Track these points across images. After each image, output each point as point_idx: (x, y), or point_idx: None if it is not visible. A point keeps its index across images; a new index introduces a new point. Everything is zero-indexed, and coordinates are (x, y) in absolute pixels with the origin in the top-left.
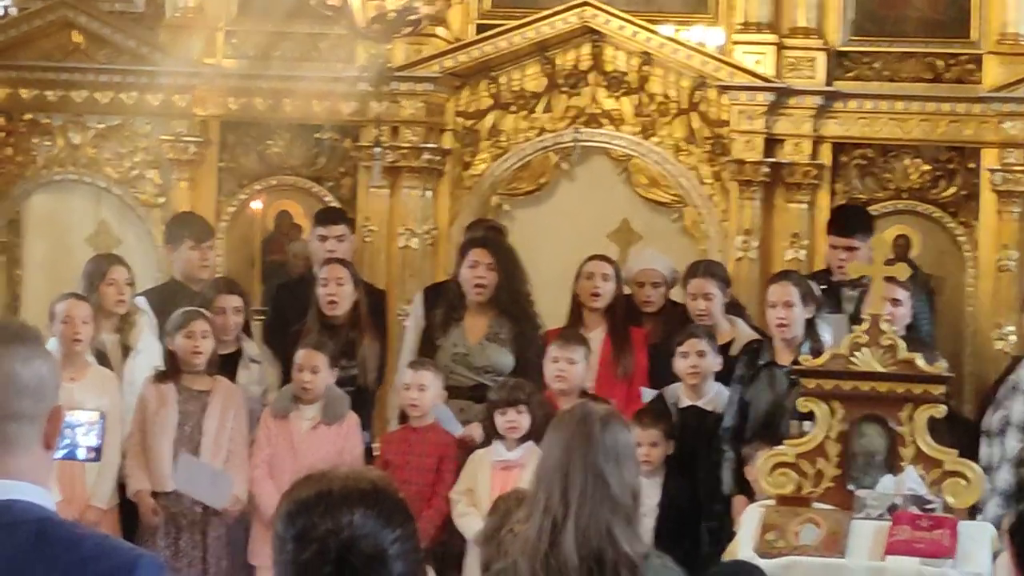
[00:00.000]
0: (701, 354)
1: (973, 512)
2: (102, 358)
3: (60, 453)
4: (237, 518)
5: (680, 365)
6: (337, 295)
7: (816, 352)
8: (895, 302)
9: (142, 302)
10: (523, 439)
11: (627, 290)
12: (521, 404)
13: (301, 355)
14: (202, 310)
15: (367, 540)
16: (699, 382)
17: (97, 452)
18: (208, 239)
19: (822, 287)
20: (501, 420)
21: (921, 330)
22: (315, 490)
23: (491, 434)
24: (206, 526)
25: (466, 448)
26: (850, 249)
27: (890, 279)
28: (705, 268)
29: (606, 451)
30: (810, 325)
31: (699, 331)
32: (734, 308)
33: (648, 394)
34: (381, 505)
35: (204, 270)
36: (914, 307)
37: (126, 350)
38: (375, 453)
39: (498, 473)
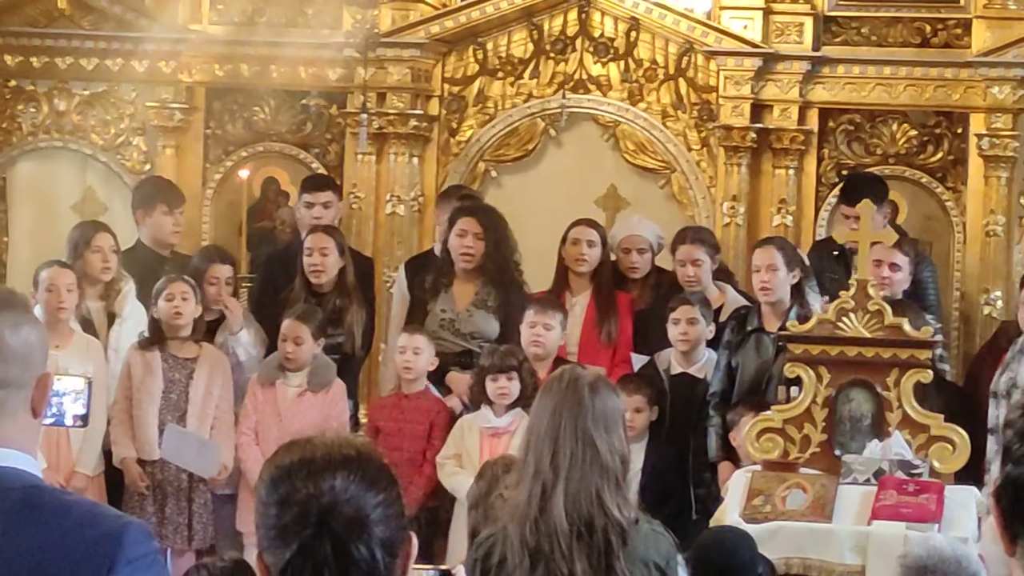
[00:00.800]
0: (692, 321)
1: (979, 473)
2: (87, 325)
3: (48, 420)
4: (223, 485)
5: (672, 332)
6: (321, 265)
7: (804, 318)
8: (893, 267)
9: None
10: (512, 406)
11: (613, 256)
12: (512, 371)
13: (286, 326)
14: (185, 277)
15: (348, 504)
16: (689, 349)
17: (84, 419)
18: (180, 205)
19: (835, 252)
20: (492, 386)
21: (928, 298)
22: (298, 456)
23: (480, 400)
24: (192, 493)
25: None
26: (860, 219)
27: (892, 244)
28: (694, 235)
29: (595, 416)
30: (797, 290)
31: (693, 298)
32: (723, 274)
33: (639, 360)
34: (364, 470)
35: (175, 236)
36: (921, 274)
37: (111, 317)
38: (361, 420)
39: (487, 439)
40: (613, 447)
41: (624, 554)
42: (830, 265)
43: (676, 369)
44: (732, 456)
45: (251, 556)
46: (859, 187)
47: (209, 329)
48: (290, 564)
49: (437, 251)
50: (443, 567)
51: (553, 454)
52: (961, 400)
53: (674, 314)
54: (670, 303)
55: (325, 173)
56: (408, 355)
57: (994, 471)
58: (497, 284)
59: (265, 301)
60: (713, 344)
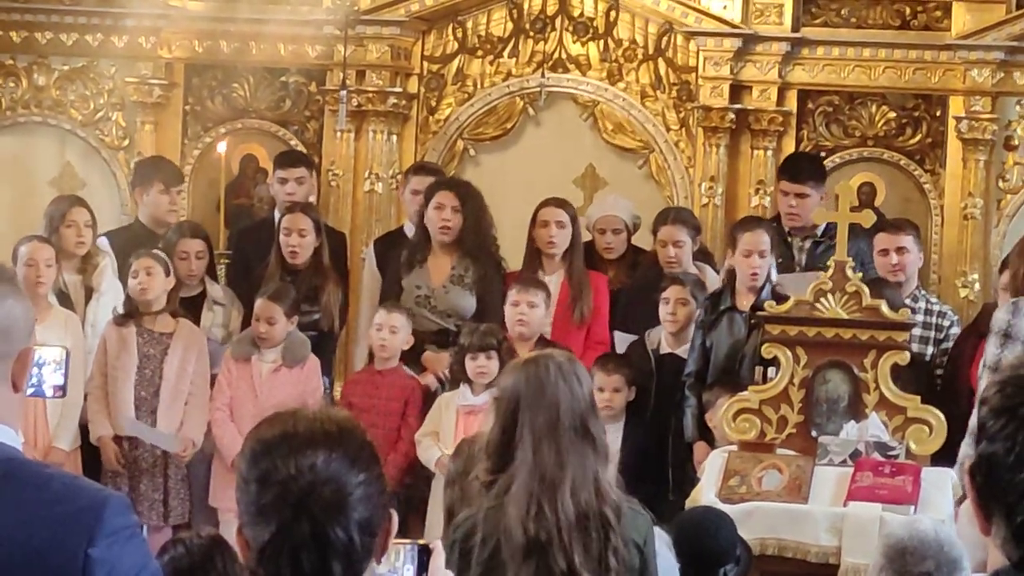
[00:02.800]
0: (683, 302)
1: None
2: (64, 299)
3: (28, 391)
4: (199, 461)
5: (661, 311)
6: (299, 246)
7: (780, 297)
8: (900, 251)
9: (104, 243)
10: (491, 384)
11: (589, 237)
12: (492, 350)
13: (259, 306)
14: (153, 252)
15: (328, 485)
16: (678, 330)
17: (63, 390)
18: (178, 184)
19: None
20: (472, 365)
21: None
22: (280, 431)
23: (460, 378)
24: (167, 469)
25: (428, 392)
26: (801, 196)
27: (895, 227)
28: (676, 215)
29: (587, 404)
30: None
31: (686, 279)
32: (703, 256)
33: (626, 339)
34: (346, 447)
35: (172, 215)
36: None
37: (88, 292)
38: (336, 397)
39: (463, 417)
40: (600, 428)
41: (619, 535)
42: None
43: (664, 349)
44: (708, 436)
45: (226, 532)
46: (803, 165)
47: (187, 304)
48: (269, 545)
49: (407, 229)
50: (421, 542)
51: (557, 451)
52: (936, 382)
53: (665, 293)
54: (662, 283)
55: (298, 149)
56: (384, 333)
57: (962, 449)
58: (474, 258)
59: (239, 276)
60: None
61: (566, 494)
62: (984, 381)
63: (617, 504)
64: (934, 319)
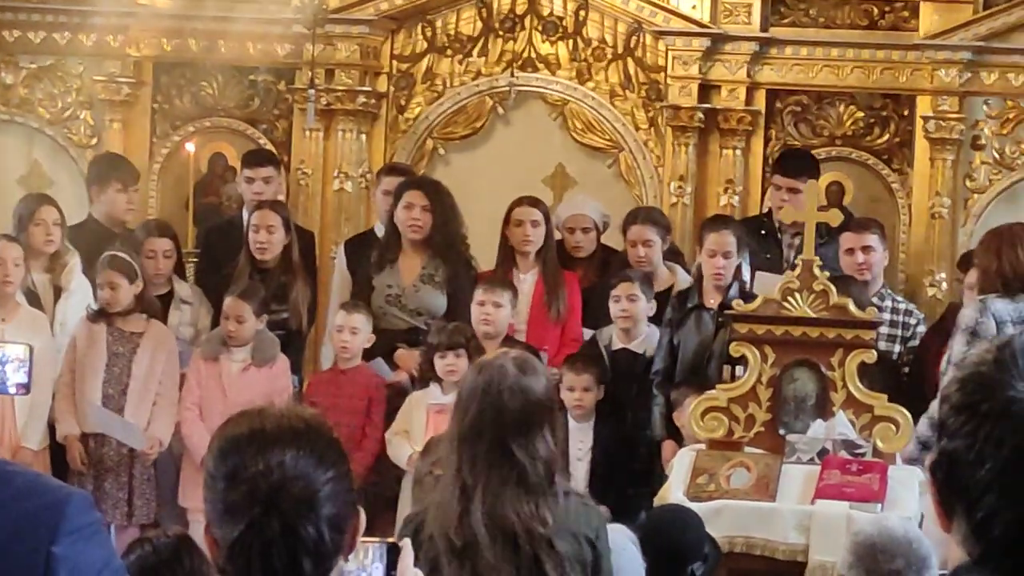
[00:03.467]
0: (633, 298)
1: None
2: (33, 298)
3: None
4: (168, 461)
5: (612, 309)
6: (267, 242)
7: (747, 295)
8: (867, 249)
9: None
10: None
11: (558, 236)
12: (460, 348)
13: (227, 304)
14: (119, 254)
15: (297, 482)
16: (630, 326)
17: (26, 387)
18: (135, 183)
19: (761, 232)
20: (441, 364)
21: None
22: (247, 428)
23: (429, 376)
24: (132, 468)
25: (396, 391)
26: (793, 191)
27: (861, 226)
28: (645, 215)
29: (516, 424)
30: (736, 267)
31: (634, 275)
32: (673, 255)
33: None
34: (313, 445)
35: (129, 213)
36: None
37: (57, 291)
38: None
39: (433, 416)
40: (535, 454)
41: (551, 559)
42: (763, 245)
43: (617, 345)
44: (675, 435)
45: (196, 532)
46: (797, 160)
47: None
48: (238, 542)
49: (377, 230)
50: (390, 540)
51: (472, 461)
52: (903, 380)
53: (615, 291)
54: (611, 280)
55: (265, 148)
56: (345, 334)
57: (920, 429)
58: (444, 257)
59: (208, 275)
60: (656, 321)
61: (477, 507)
62: (950, 375)
63: (548, 538)
64: (901, 317)
